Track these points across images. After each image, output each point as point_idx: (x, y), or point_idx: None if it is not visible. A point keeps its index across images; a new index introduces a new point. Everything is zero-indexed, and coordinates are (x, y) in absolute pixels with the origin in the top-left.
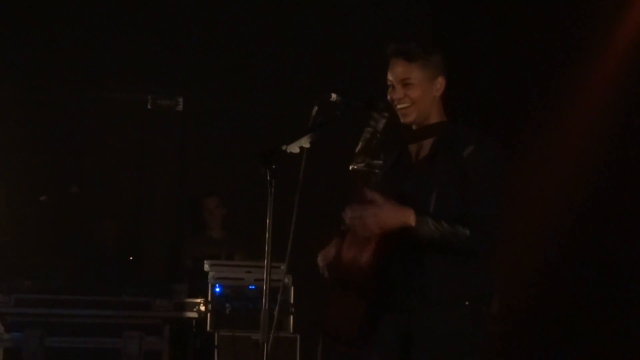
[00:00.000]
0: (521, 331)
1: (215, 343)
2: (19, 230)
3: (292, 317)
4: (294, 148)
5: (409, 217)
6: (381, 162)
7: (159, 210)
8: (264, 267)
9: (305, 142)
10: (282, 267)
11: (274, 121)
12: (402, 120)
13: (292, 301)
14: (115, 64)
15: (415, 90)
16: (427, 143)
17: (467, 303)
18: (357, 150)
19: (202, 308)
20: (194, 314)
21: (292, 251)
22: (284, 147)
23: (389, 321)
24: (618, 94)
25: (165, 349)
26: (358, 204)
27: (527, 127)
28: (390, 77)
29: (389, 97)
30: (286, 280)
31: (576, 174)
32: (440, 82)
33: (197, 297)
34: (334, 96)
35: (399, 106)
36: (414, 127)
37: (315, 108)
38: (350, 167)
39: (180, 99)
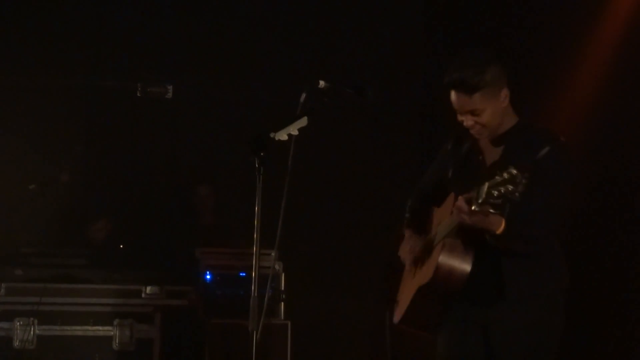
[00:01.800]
0: None
1: (207, 330)
2: (8, 219)
3: (283, 303)
4: (282, 135)
5: (499, 225)
6: (501, 202)
7: (149, 198)
8: (254, 254)
9: (293, 129)
10: (273, 254)
11: (264, 108)
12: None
13: (282, 288)
14: (104, 51)
15: (484, 116)
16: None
17: (543, 293)
18: (484, 194)
19: (193, 295)
20: (184, 302)
21: (283, 238)
22: (272, 135)
23: (468, 312)
24: (606, 89)
25: (157, 337)
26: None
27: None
28: (453, 105)
29: (458, 118)
30: (276, 266)
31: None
32: (504, 94)
33: (188, 285)
34: (322, 83)
35: (471, 131)
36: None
37: (304, 95)
38: (474, 208)
39: (170, 87)
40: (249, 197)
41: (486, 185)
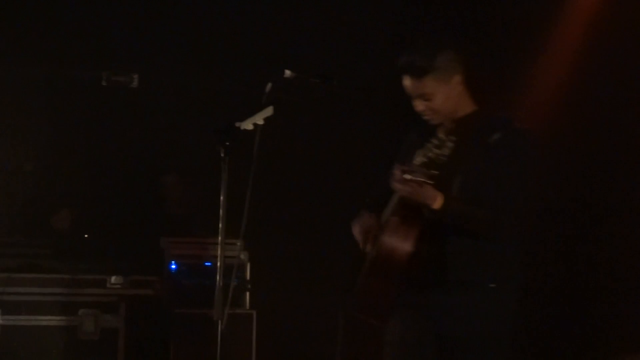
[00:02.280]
0: None
1: (172, 320)
2: None
3: (248, 293)
4: (247, 125)
5: (436, 200)
6: (437, 172)
7: (115, 187)
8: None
9: (259, 119)
10: (238, 244)
11: (230, 97)
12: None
13: (248, 277)
14: (69, 40)
15: (434, 101)
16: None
17: (492, 285)
18: (417, 162)
19: (158, 285)
20: (149, 291)
21: (248, 228)
22: (238, 124)
23: (415, 299)
24: (567, 86)
25: (121, 327)
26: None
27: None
28: (406, 90)
29: (414, 105)
30: (242, 256)
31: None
32: (457, 80)
33: (153, 275)
34: (288, 73)
35: (424, 117)
36: (446, 124)
37: (270, 85)
38: (407, 177)
39: (136, 76)
40: (215, 186)
41: (417, 152)
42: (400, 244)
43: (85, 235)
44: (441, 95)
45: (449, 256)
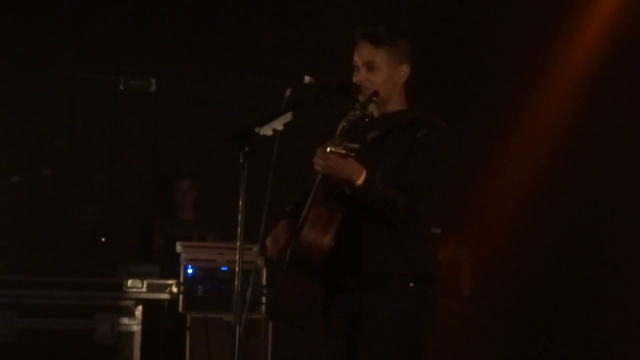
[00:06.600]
0: (492, 312)
1: (188, 324)
2: None
3: (264, 298)
4: (267, 130)
5: (360, 175)
6: (358, 146)
7: (131, 191)
8: (236, 248)
9: (278, 125)
10: (255, 249)
11: (247, 102)
12: (360, 100)
13: (264, 283)
14: (87, 44)
15: (377, 75)
16: (384, 127)
17: (411, 285)
18: (337, 132)
19: (175, 289)
20: (166, 296)
21: (265, 233)
22: (257, 130)
23: (338, 304)
24: (585, 87)
25: (138, 330)
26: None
27: (502, 114)
28: (355, 58)
29: (354, 79)
30: (259, 262)
31: (545, 163)
32: (404, 70)
33: (169, 279)
34: (307, 78)
35: (357, 82)
36: (374, 113)
37: (289, 90)
38: (328, 149)
39: (153, 80)
40: (231, 191)
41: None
42: (321, 237)
43: (103, 239)
44: (385, 73)
45: (364, 246)
